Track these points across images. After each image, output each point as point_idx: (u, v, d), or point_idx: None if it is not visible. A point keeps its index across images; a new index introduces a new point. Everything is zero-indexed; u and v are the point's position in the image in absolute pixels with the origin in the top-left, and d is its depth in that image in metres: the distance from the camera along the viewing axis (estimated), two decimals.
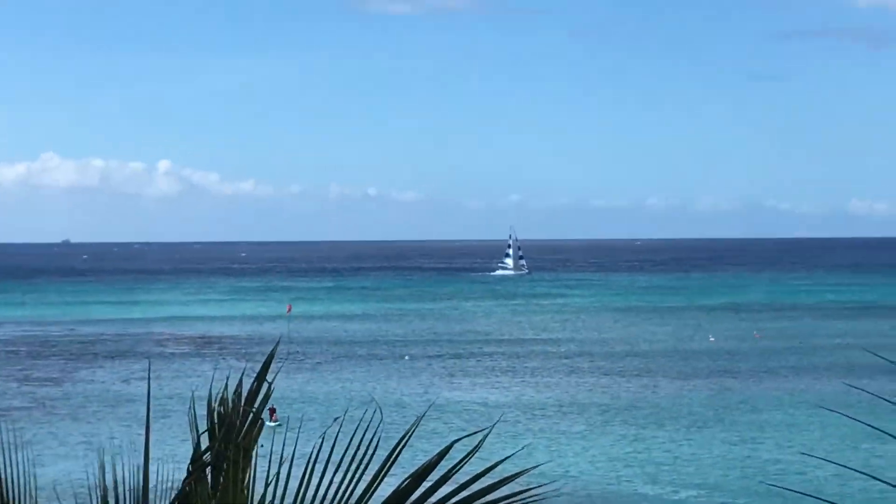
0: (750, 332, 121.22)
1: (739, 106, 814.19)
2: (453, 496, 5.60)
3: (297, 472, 6.16)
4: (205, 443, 6.00)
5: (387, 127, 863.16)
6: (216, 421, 5.90)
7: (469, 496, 5.59)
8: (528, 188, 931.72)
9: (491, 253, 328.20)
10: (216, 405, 5.91)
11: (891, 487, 5.29)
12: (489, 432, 6.23)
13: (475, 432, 6.02)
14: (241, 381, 6.02)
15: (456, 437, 5.90)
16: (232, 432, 5.87)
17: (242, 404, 5.89)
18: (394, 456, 5.86)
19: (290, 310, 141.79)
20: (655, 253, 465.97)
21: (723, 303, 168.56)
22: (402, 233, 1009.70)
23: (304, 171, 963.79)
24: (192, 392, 6.35)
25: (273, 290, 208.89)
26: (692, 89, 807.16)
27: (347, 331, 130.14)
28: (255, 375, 6.03)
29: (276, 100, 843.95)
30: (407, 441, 5.89)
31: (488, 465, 5.85)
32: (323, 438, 6.17)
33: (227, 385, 5.95)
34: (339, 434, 6.36)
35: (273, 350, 6.34)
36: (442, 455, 5.77)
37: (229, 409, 5.87)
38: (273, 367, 6.26)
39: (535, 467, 6.45)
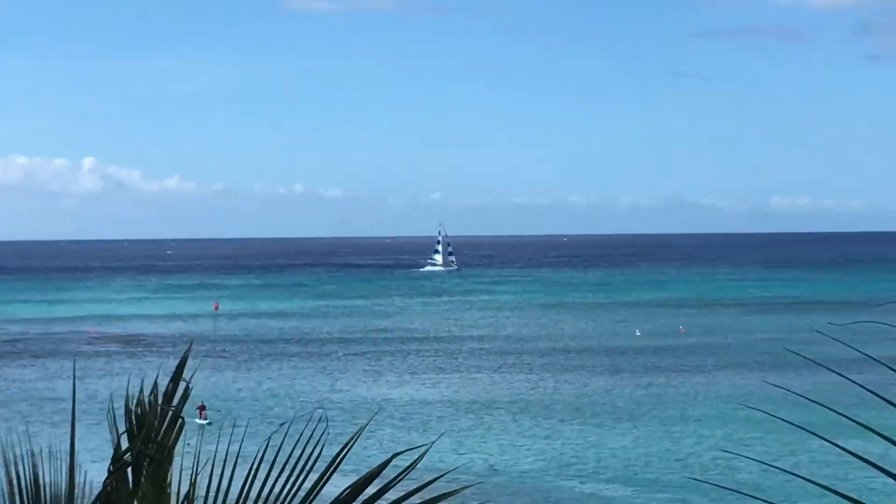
0: (675, 328, 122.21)
1: (660, 104, 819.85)
2: None
3: (229, 471, 6.18)
4: (126, 443, 6.03)
5: (313, 124, 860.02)
6: (134, 422, 5.92)
7: None
8: (450, 185, 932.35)
9: (417, 249, 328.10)
10: (133, 406, 5.94)
11: (809, 483, 5.46)
12: (429, 448, 6.31)
13: (415, 447, 6.09)
14: (156, 381, 6.04)
15: (397, 451, 5.96)
16: (151, 432, 5.90)
17: (160, 404, 5.92)
18: (335, 465, 5.89)
19: (217, 307, 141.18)
20: (582, 249, 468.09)
21: (648, 298, 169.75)
22: (328, 229, 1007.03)
23: (229, 169, 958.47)
24: (111, 392, 6.37)
25: (200, 288, 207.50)
26: (614, 87, 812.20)
27: (275, 328, 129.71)
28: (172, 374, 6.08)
29: (199, 98, 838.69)
30: (348, 451, 5.93)
31: (420, 469, 5.89)
32: (268, 443, 6.21)
33: (142, 385, 5.98)
34: (278, 438, 6.40)
35: (187, 350, 6.37)
36: (382, 467, 5.85)
37: (146, 410, 5.90)
38: (194, 364, 6.29)
39: (473, 485, 6.55)
